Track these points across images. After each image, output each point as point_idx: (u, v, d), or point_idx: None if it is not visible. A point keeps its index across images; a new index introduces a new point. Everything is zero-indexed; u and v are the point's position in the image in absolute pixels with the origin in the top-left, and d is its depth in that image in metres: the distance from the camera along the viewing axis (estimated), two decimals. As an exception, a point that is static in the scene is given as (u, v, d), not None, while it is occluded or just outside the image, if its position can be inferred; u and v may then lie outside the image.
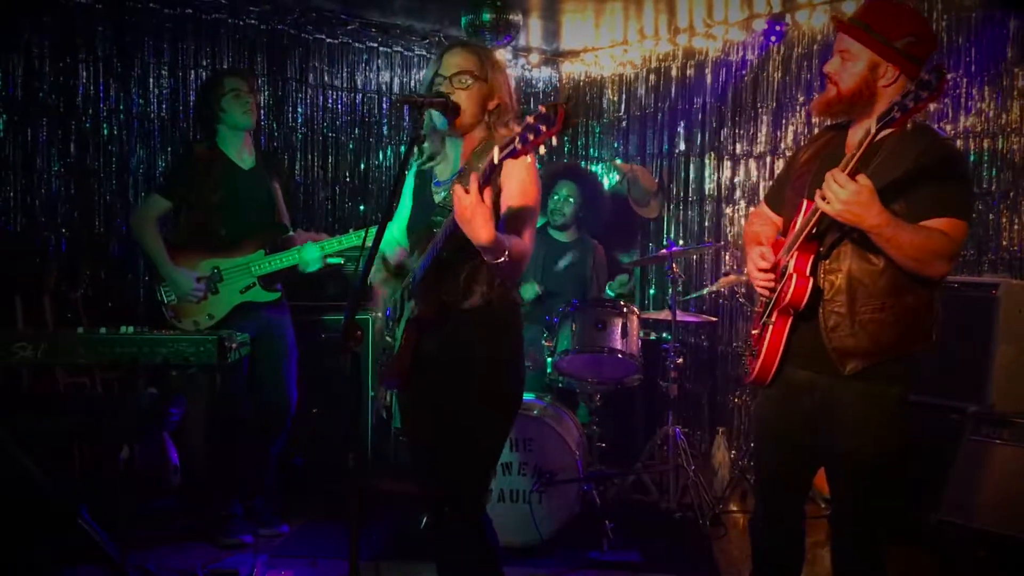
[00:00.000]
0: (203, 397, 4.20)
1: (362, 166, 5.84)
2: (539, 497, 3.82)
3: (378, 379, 4.76)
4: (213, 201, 3.89)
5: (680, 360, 4.55)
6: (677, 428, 4.44)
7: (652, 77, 6.18)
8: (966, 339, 3.86)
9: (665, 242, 5.90)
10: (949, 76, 4.52)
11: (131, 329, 3.22)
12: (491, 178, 2.19)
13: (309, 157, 5.64)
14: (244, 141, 4.00)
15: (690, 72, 5.92)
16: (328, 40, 5.63)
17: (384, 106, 5.89)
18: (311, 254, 3.87)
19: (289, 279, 4.07)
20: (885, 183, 2.26)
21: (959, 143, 4.44)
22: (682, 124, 5.98)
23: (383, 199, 5.82)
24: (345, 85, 5.73)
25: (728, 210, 5.70)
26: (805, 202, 2.39)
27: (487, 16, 4.91)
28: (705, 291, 5.07)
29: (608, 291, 4.95)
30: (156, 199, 3.94)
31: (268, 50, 5.40)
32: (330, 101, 5.69)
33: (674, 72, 6.03)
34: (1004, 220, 4.38)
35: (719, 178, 5.76)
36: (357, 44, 5.74)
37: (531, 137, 2.02)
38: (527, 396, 4.01)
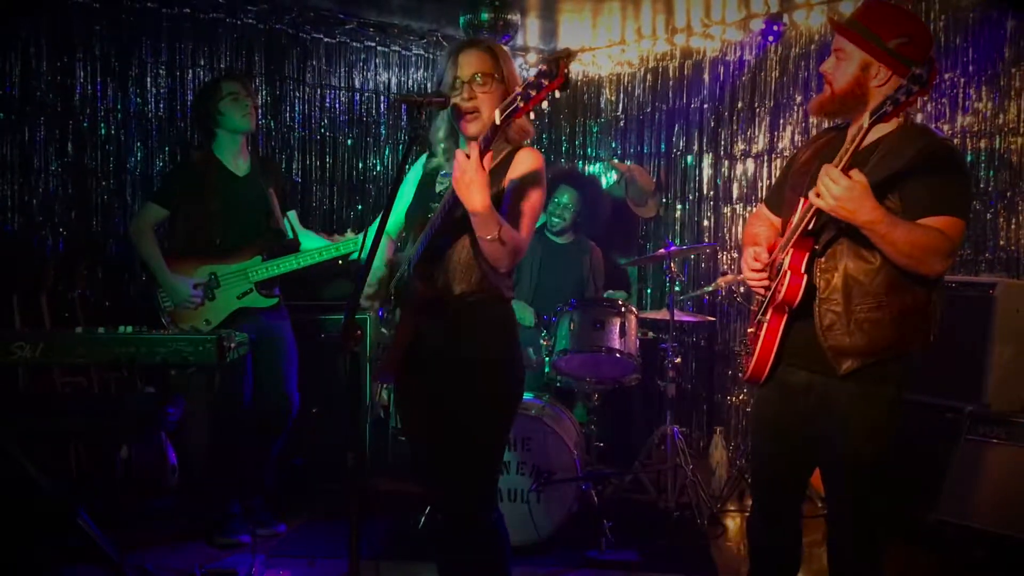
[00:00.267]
0: (202, 397, 4.21)
1: (360, 165, 5.84)
2: (537, 496, 3.83)
3: (374, 374, 4.76)
4: (209, 208, 3.89)
5: (678, 360, 4.55)
6: (675, 427, 4.45)
7: (650, 77, 6.19)
8: (963, 338, 3.86)
9: (663, 242, 5.90)
10: (947, 76, 4.53)
11: (130, 329, 3.22)
12: (495, 137, 2.18)
13: (307, 157, 5.64)
14: (240, 146, 3.99)
15: (688, 72, 5.92)
16: (326, 40, 5.63)
17: (382, 105, 5.89)
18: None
19: (287, 279, 4.07)
20: (882, 181, 2.27)
21: (957, 143, 4.44)
22: (679, 124, 5.99)
23: (381, 198, 5.83)
24: (343, 84, 5.73)
25: (726, 210, 5.71)
26: (802, 200, 2.40)
27: (486, 15, 4.92)
28: (703, 291, 5.08)
29: None
30: (152, 208, 3.93)
31: (266, 50, 5.40)
32: (328, 100, 5.69)
33: (672, 72, 6.04)
34: (1001, 220, 4.39)
35: (717, 178, 5.76)
36: (355, 43, 5.74)
37: (533, 93, 2.02)
38: (525, 395, 4.02)
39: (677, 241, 5.87)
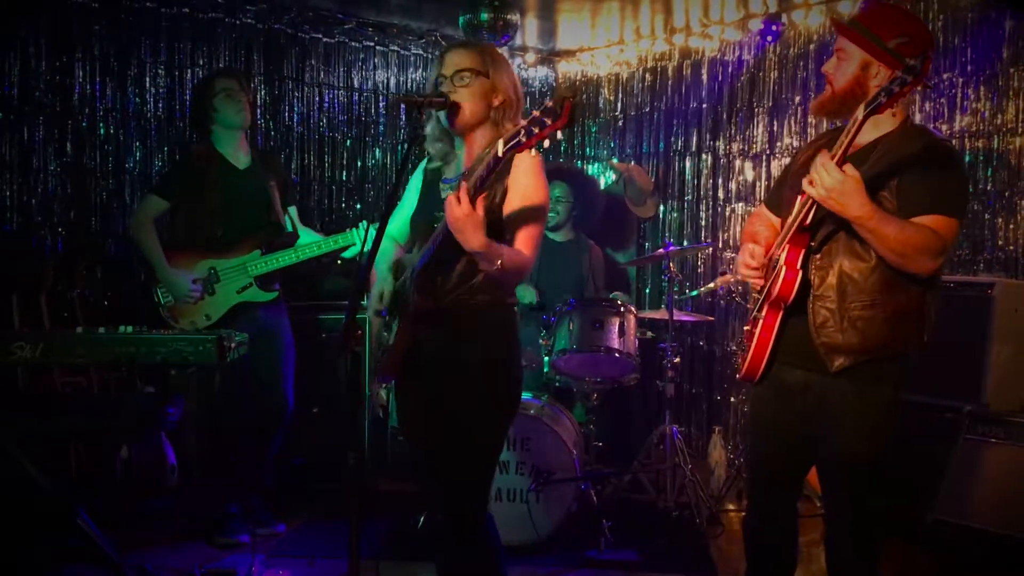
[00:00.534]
0: (201, 396, 4.21)
1: (358, 165, 5.84)
2: (536, 496, 3.83)
3: (373, 373, 4.77)
4: (210, 202, 3.90)
5: (677, 359, 4.56)
6: (674, 427, 4.45)
7: (648, 77, 6.19)
8: (962, 338, 3.87)
9: (661, 241, 5.91)
10: (945, 76, 4.54)
11: (130, 329, 3.22)
12: (495, 171, 2.19)
13: (306, 156, 5.64)
14: (239, 141, 4.00)
15: (686, 72, 5.93)
16: (325, 39, 5.63)
17: (381, 105, 5.89)
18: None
19: (286, 278, 4.07)
20: (880, 177, 2.28)
21: (955, 143, 4.45)
22: (678, 124, 5.99)
23: (379, 198, 5.83)
24: (342, 84, 5.73)
25: (725, 210, 5.71)
26: (799, 198, 2.41)
27: (485, 16, 4.92)
28: (702, 290, 5.08)
29: None
30: (153, 199, 3.94)
31: (265, 49, 5.40)
32: (327, 100, 5.69)
33: (670, 72, 6.04)
34: (1000, 220, 4.40)
35: (715, 178, 5.77)
36: (354, 43, 5.74)
37: (536, 130, 2.02)
38: (524, 395, 4.02)
39: (676, 241, 5.87)
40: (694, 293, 5.16)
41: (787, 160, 4.70)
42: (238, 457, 3.95)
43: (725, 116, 5.69)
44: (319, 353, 4.67)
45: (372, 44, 5.81)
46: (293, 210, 4.14)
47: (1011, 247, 4.35)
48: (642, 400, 5.30)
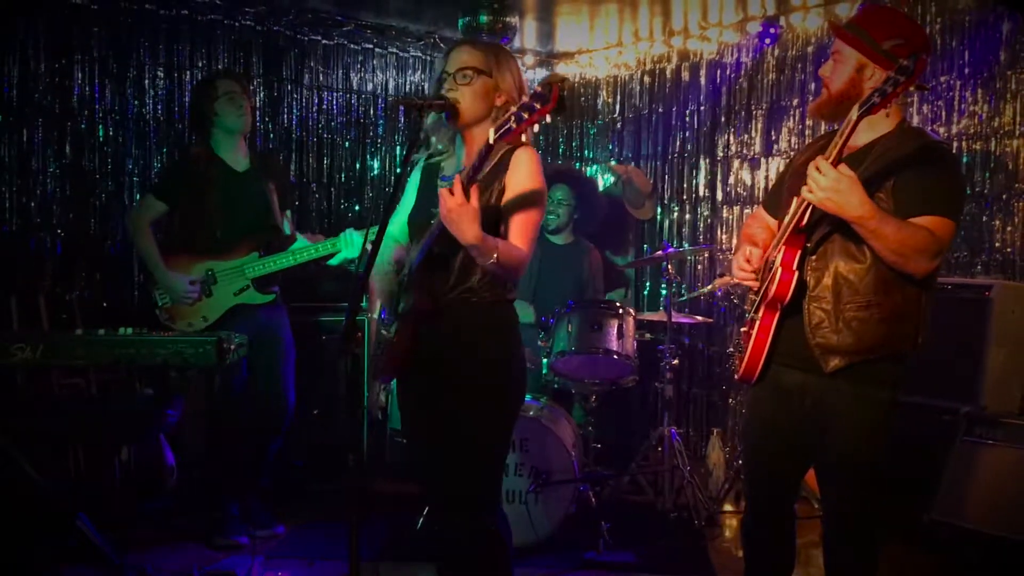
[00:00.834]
0: (200, 398, 4.21)
1: (357, 167, 5.84)
2: (535, 497, 3.84)
3: (371, 373, 4.77)
4: (208, 203, 3.90)
5: (675, 361, 4.57)
6: (672, 429, 4.46)
7: (647, 79, 6.20)
8: (959, 340, 3.88)
9: (660, 243, 5.92)
10: (943, 79, 4.55)
11: (130, 330, 3.22)
12: (492, 167, 2.20)
13: (304, 158, 5.64)
14: (238, 144, 4.00)
15: (684, 74, 5.94)
16: (324, 41, 5.63)
17: (379, 107, 5.90)
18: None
19: (286, 280, 4.08)
20: (876, 178, 2.29)
21: (953, 145, 4.46)
22: (676, 126, 6.00)
23: (378, 200, 5.83)
24: (340, 86, 5.73)
25: (723, 212, 5.72)
26: (795, 199, 2.42)
27: (484, 18, 4.93)
28: (700, 292, 5.09)
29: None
30: (151, 201, 3.95)
31: (264, 51, 5.40)
32: (325, 102, 5.69)
33: (668, 74, 6.05)
34: (997, 222, 4.40)
35: (713, 180, 5.78)
36: (352, 45, 5.74)
37: (526, 115, 2.04)
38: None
39: (674, 243, 5.88)
40: (692, 295, 5.18)
41: (785, 162, 4.71)
42: (238, 458, 3.95)
43: (723, 118, 5.69)
44: (319, 355, 4.67)
45: (371, 46, 5.82)
46: (288, 214, 4.14)
47: (1008, 249, 4.36)
48: (641, 402, 5.31)
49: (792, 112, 5.30)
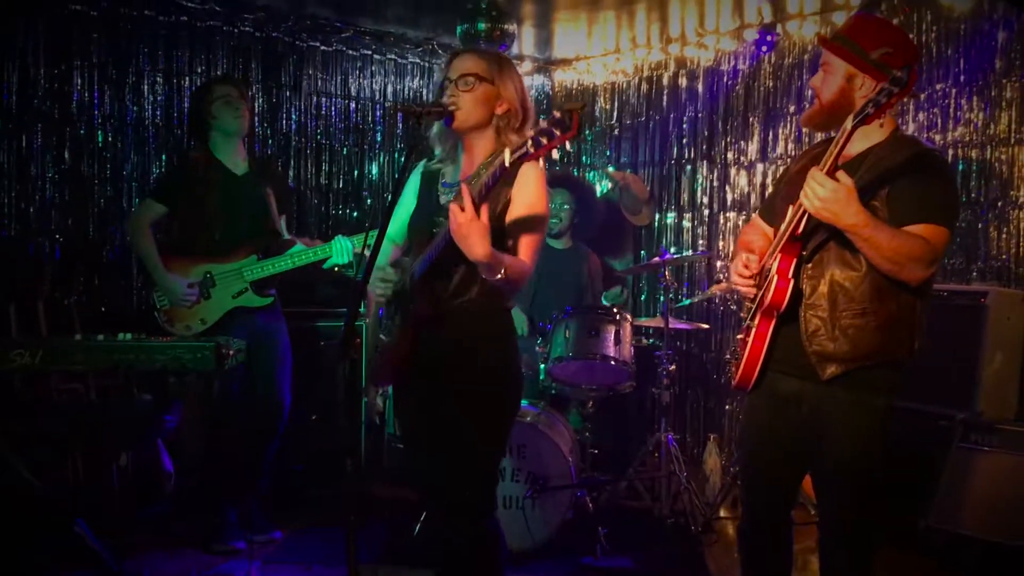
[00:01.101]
0: (198, 403, 4.21)
1: (355, 173, 5.85)
2: (532, 503, 3.85)
3: (369, 378, 4.78)
4: (207, 206, 3.91)
5: (672, 367, 4.58)
6: (669, 434, 4.47)
7: (644, 86, 6.22)
8: (955, 347, 3.90)
9: (657, 250, 5.94)
10: (938, 87, 4.58)
11: (129, 336, 3.23)
12: (500, 181, 2.20)
13: (303, 164, 5.65)
14: (237, 147, 4.02)
15: (682, 81, 5.96)
16: (322, 48, 5.64)
17: (378, 114, 5.91)
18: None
19: (283, 284, 4.09)
20: (870, 187, 2.31)
21: (948, 153, 4.49)
22: (674, 132, 6.02)
23: (376, 206, 5.84)
24: (339, 92, 5.75)
25: (720, 218, 5.74)
26: (791, 207, 2.44)
27: (482, 25, 4.94)
28: (697, 298, 5.11)
29: (603, 301, 4.99)
30: (151, 204, 3.96)
31: (262, 57, 5.41)
32: (324, 108, 5.70)
33: (666, 81, 6.07)
34: (992, 230, 4.43)
35: (710, 186, 5.79)
36: (351, 52, 5.76)
37: (544, 141, 2.04)
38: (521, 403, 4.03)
39: (672, 249, 5.89)
40: (689, 301, 5.19)
41: (782, 169, 4.73)
42: (236, 463, 3.95)
43: (720, 125, 5.71)
44: (317, 360, 4.68)
45: (369, 52, 5.83)
46: (282, 219, 4.16)
47: (1004, 256, 4.38)
48: (638, 407, 5.31)
49: (789, 119, 5.32)
